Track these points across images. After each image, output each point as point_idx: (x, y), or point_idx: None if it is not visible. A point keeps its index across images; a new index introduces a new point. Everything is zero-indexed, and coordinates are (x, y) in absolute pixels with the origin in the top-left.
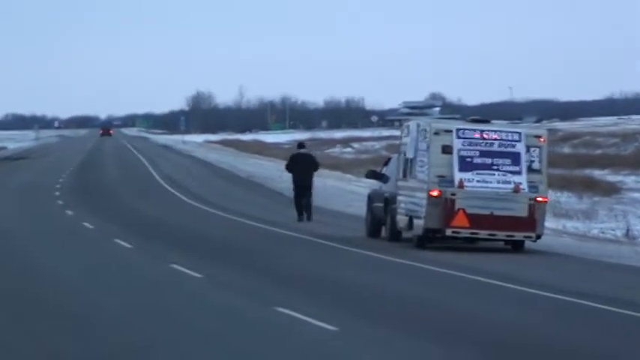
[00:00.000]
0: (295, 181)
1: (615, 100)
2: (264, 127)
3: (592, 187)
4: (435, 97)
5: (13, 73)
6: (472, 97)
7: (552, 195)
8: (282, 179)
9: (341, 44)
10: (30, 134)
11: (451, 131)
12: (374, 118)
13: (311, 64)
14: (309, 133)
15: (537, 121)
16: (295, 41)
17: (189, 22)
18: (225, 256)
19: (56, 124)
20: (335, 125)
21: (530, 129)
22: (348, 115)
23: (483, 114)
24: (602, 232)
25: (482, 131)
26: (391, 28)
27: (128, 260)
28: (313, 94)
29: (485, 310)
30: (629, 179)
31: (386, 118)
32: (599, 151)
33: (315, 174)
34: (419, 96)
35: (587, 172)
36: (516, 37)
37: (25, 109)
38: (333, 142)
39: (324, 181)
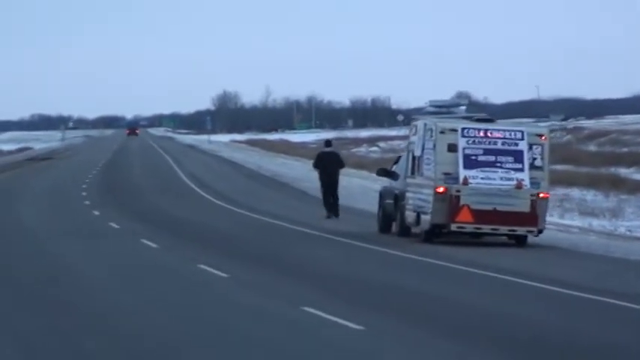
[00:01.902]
0: (322, 179)
1: None
2: (290, 127)
3: (618, 185)
4: (461, 95)
5: (39, 74)
6: (499, 95)
7: (578, 193)
8: (309, 179)
9: (367, 43)
10: (56, 134)
11: (456, 130)
12: (400, 117)
13: (337, 63)
14: (335, 133)
15: (564, 120)
16: (321, 40)
17: (216, 22)
18: (251, 255)
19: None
20: (361, 124)
21: (533, 128)
22: (374, 114)
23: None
24: (630, 231)
25: (486, 130)
26: (418, 27)
27: (154, 260)
28: (339, 93)
29: (500, 306)
30: None
31: (412, 117)
32: (625, 149)
33: (341, 172)
34: (445, 95)
35: (614, 170)
36: (543, 36)
37: (52, 110)
38: (359, 142)
39: (350, 180)
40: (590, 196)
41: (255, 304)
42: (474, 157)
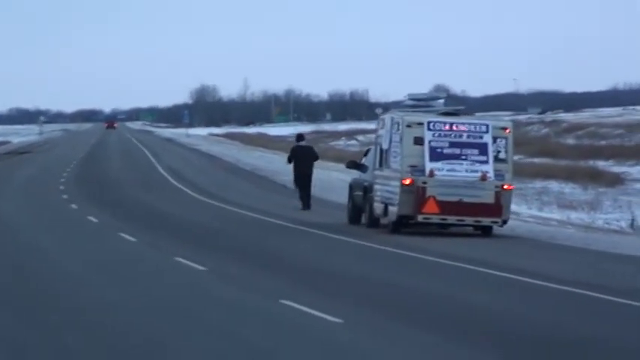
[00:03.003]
0: (297, 172)
1: (620, 91)
2: (269, 120)
3: (597, 178)
4: (439, 89)
5: (17, 67)
6: (476, 88)
7: (557, 186)
8: (288, 172)
9: (345, 36)
10: (35, 128)
11: (422, 124)
12: (378, 111)
13: (315, 56)
14: (314, 126)
15: (541, 113)
16: (299, 34)
17: (193, 15)
18: (228, 248)
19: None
20: (339, 118)
21: (497, 121)
22: (352, 107)
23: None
24: (607, 223)
25: (451, 123)
26: (395, 20)
27: (133, 254)
28: (317, 86)
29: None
30: (633, 170)
31: (390, 110)
32: (603, 142)
33: (320, 165)
34: (423, 88)
35: (592, 163)
36: (520, 29)
37: (30, 104)
38: (337, 135)
39: (328, 174)
40: (568, 189)
41: (233, 297)
42: (439, 150)
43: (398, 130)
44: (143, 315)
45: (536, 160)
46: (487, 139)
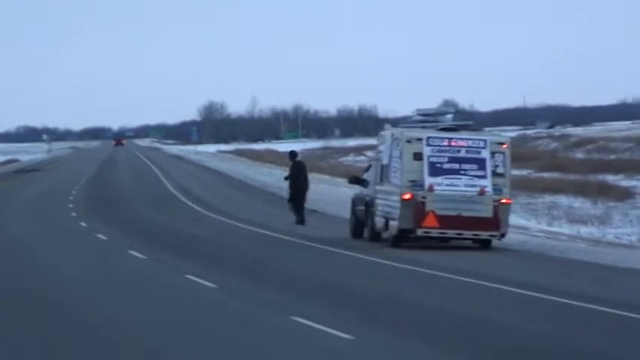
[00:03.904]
0: (294, 188)
1: (628, 105)
2: (277, 137)
3: (606, 192)
4: (447, 103)
5: (25, 85)
6: (485, 103)
7: (566, 200)
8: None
9: (353, 52)
10: (43, 146)
11: (421, 139)
12: (387, 127)
13: (323, 72)
14: (322, 142)
15: (550, 127)
16: (307, 50)
17: (201, 32)
18: (238, 265)
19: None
20: (348, 134)
21: (495, 137)
22: (360, 123)
23: (497, 120)
24: (617, 238)
25: (450, 139)
26: (403, 36)
27: (142, 271)
28: (326, 102)
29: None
30: None
31: (399, 126)
32: (613, 156)
33: (328, 181)
34: (432, 103)
35: (601, 177)
36: (529, 43)
37: (38, 122)
38: (346, 151)
39: (337, 190)
40: (577, 203)
41: (245, 314)
42: (438, 165)
43: (398, 145)
44: (154, 332)
45: (545, 174)
46: (485, 154)
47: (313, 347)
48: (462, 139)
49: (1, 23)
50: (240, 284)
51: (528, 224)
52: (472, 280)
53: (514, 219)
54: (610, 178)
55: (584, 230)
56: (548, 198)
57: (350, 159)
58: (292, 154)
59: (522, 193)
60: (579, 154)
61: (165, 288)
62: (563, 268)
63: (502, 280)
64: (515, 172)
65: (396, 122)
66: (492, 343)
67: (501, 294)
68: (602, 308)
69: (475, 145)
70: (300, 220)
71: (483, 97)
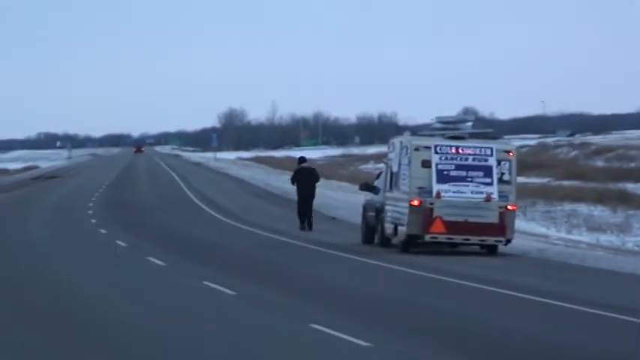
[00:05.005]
0: (300, 193)
1: None
2: (297, 144)
3: (626, 200)
4: (467, 111)
5: (45, 92)
6: (505, 111)
7: (586, 209)
8: (317, 195)
9: (373, 59)
10: (63, 153)
11: (430, 147)
12: (407, 134)
13: (343, 79)
14: (343, 149)
15: (570, 135)
16: (328, 57)
17: (221, 39)
18: (257, 272)
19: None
20: (368, 141)
21: (501, 145)
22: (380, 130)
23: (516, 128)
24: (638, 246)
25: (457, 147)
26: (423, 43)
27: (162, 278)
28: (346, 109)
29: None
30: None
31: (419, 134)
32: (632, 165)
33: (347, 189)
34: (452, 111)
35: (621, 185)
36: (549, 51)
37: (58, 128)
38: (366, 158)
39: (357, 197)
40: (597, 211)
41: (264, 321)
42: (446, 172)
43: (407, 153)
44: (171, 338)
45: (565, 182)
46: (492, 162)
47: (334, 356)
48: (469, 147)
49: (23, 30)
50: (259, 291)
51: (547, 232)
52: (486, 287)
53: (534, 227)
54: (629, 187)
55: (604, 238)
56: (567, 206)
57: (370, 166)
58: (300, 160)
59: (542, 201)
60: (599, 162)
61: (184, 294)
62: (581, 276)
63: (518, 288)
64: (535, 180)
65: (415, 130)
66: (513, 351)
67: (518, 302)
68: (621, 317)
69: (482, 153)
70: (303, 227)
71: (503, 104)
